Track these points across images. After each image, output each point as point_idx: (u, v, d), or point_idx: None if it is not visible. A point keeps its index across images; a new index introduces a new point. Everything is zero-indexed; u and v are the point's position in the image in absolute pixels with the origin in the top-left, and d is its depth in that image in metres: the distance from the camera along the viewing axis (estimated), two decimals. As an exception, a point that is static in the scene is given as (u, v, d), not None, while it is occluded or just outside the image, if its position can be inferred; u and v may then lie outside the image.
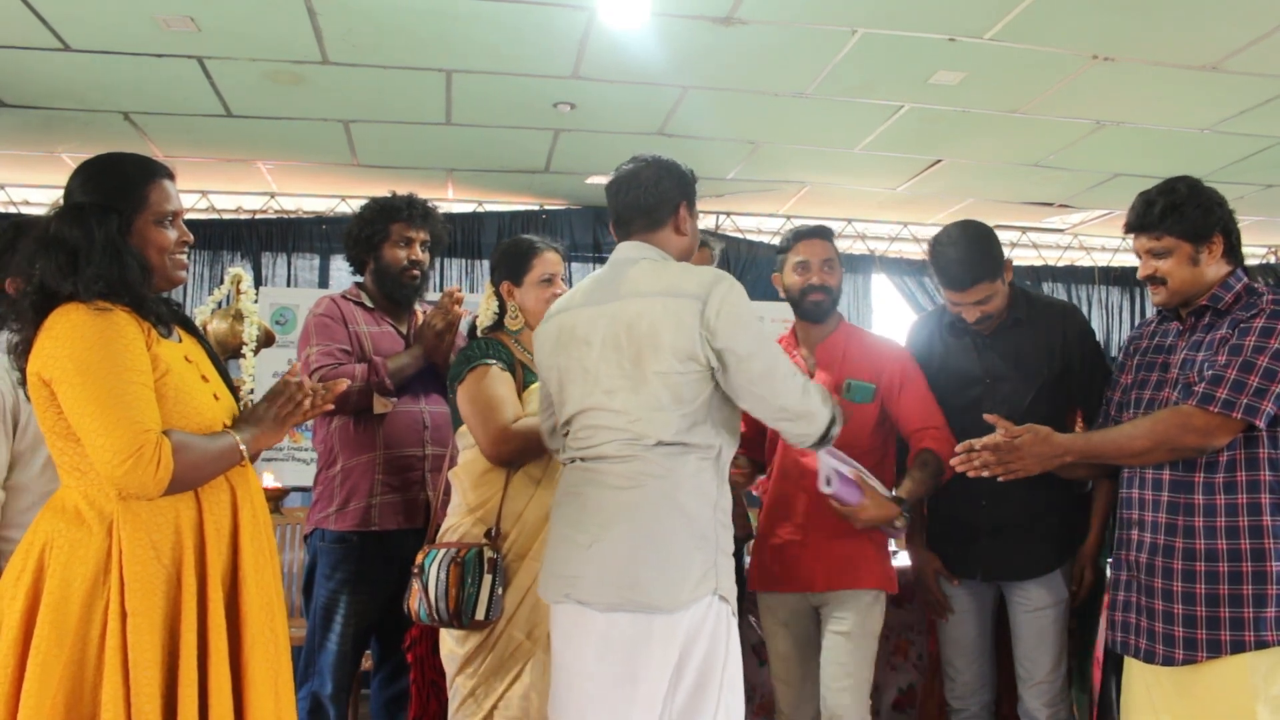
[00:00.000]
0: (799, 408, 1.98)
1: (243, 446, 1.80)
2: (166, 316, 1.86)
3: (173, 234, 1.85)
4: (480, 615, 2.25)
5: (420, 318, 2.93)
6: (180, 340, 1.92)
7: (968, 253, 2.53)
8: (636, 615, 1.92)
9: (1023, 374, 2.59)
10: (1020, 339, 2.62)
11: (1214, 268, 2.21)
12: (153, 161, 1.88)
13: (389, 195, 2.93)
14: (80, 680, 1.63)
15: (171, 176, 1.89)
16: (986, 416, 2.26)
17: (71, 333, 1.67)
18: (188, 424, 1.76)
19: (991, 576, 2.64)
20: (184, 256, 1.89)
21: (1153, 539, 2.18)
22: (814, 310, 2.66)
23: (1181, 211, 2.18)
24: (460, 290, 2.86)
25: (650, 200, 2.08)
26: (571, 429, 2.07)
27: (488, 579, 2.25)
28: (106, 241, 1.72)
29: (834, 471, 2.33)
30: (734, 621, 2.07)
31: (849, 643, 2.51)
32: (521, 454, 2.35)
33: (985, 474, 2.21)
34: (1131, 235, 2.29)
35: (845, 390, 2.42)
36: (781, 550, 2.61)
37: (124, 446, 1.62)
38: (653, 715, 1.94)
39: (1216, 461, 2.12)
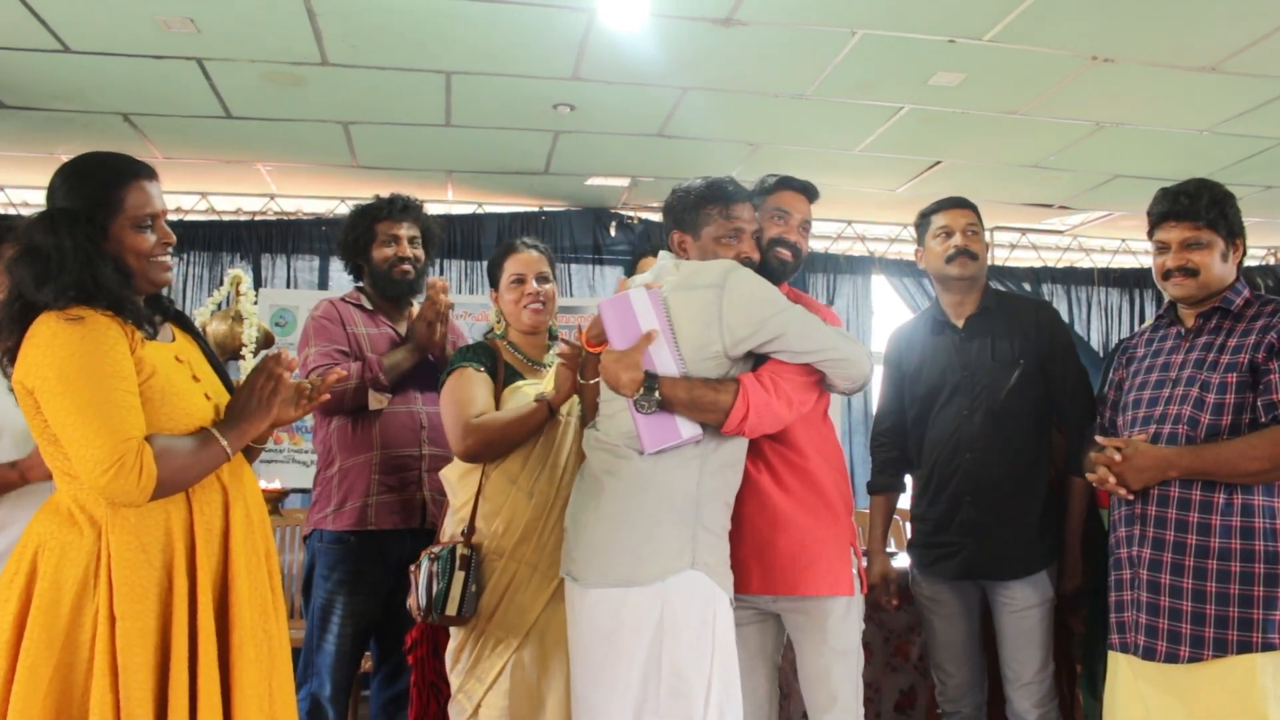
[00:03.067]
0: None
1: (225, 443, 1.77)
2: (151, 318, 1.83)
3: (152, 237, 1.79)
4: (452, 611, 2.29)
5: (418, 318, 2.94)
6: (173, 339, 1.90)
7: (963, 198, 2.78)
8: (612, 590, 2.01)
9: (999, 363, 2.63)
10: (994, 328, 2.68)
11: (1230, 271, 2.24)
12: (131, 162, 1.82)
13: (372, 199, 2.95)
14: (70, 684, 1.62)
15: (153, 176, 1.83)
16: (1098, 438, 2.26)
17: (52, 341, 1.65)
18: (176, 425, 1.74)
19: (977, 575, 2.64)
20: (167, 258, 1.83)
21: (1158, 534, 2.16)
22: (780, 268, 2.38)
23: (1223, 207, 2.22)
24: (444, 279, 2.88)
25: None
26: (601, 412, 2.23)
27: (459, 576, 2.30)
28: (77, 249, 1.68)
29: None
30: (723, 601, 2.06)
31: (820, 660, 2.25)
32: (484, 447, 2.37)
33: (1108, 488, 2.22)
34: (1161, 224, 2.28)
35: None
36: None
37: (105, 456, 1.61)
38: (629, 693, 1.98)
39: None
